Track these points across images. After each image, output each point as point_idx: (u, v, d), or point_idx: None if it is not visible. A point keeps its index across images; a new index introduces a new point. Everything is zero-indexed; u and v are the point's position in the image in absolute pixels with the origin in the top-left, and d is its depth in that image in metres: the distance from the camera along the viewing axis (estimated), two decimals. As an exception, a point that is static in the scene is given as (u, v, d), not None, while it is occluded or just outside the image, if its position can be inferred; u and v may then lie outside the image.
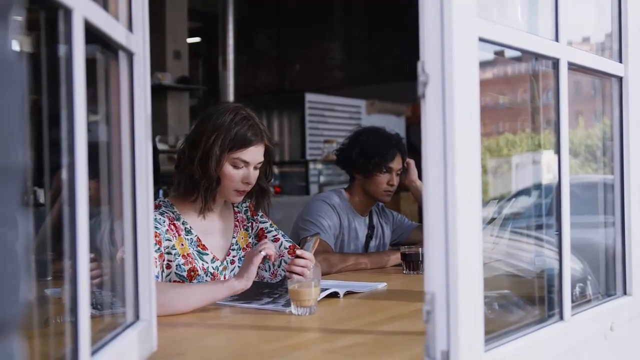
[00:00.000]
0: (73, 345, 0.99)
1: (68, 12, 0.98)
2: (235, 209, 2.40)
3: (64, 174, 0.98)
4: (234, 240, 2.34)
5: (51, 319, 1.27)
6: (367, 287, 2.31)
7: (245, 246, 2.36)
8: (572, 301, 1.54)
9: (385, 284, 2.37)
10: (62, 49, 1.00)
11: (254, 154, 2.20)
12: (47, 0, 0.93)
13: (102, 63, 1.29)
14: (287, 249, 2.35)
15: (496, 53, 1.45)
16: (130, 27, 1.34)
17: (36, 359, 1.12)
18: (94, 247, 1.06)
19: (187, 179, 2.20)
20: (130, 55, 1.34)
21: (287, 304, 1.92)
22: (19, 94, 0.61)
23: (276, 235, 2.39)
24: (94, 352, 1.07)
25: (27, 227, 0.62)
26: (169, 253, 2.14)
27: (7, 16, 0.61)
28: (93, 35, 1.10)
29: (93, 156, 1.07)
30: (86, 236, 1.00)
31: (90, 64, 1.05)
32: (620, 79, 1.80)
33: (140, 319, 1.37)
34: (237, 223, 2.38)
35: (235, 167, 2.19)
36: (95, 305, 1.26)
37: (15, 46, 0.63)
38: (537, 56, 1.54)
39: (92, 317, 1.03)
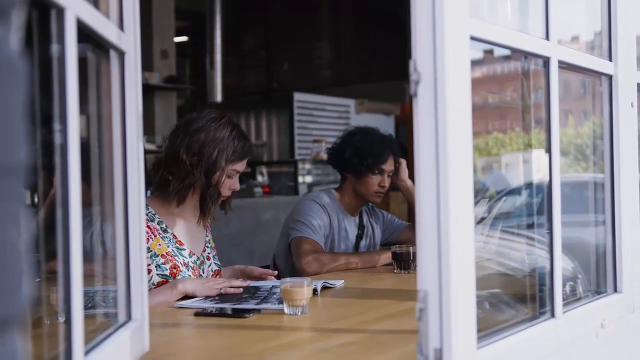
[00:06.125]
0: (66, 345, 0.98)
1: (60, 11, 0.97)
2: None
3: (57, 175, 0.97)
4: (207, 239, 2.44)
5: (44, 319, 1.26)
6: (331, 283, 2.32)
7: (213, 246, 2.47)
8: (563, 299, 1.54)
9: (342, 281, 2.38)
10: (54, 48, 0.99)
11: (245, 164, 2.35)
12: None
13: (93, 62, 1.28)
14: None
15: (485, 52, 1.45)
16: (121, 25, 1.33)
17: (28, 360, 1.12)
18: (84, 248, 1.06)
19: (187, 187, 2.26)
20: (121, 55, 1.33)
21: (281, 301, 1.91)
22: (21, 93, 0.61)
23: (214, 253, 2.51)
24: (87, 352, 1.07)
25: (29, 225, 0.62)
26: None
27: (9, 15, 0.61)
28: (84, 34, 1.09)
29: (83, 156, 1.06)
30: (79, 237, 1.00)
31: (81, 63, 1.04)
32: (610, 77, 1.81)
33: (132, 319, 1.36)
34: (207, 224, 2.46)
35: (229, 177, 2.29)
36: (86, 305, 1.26)
37: (17, 45, 0.63)
38: (528, 55, 1.55)
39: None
